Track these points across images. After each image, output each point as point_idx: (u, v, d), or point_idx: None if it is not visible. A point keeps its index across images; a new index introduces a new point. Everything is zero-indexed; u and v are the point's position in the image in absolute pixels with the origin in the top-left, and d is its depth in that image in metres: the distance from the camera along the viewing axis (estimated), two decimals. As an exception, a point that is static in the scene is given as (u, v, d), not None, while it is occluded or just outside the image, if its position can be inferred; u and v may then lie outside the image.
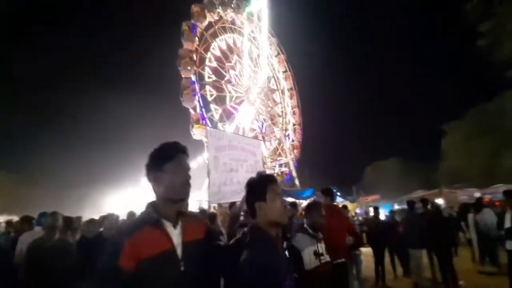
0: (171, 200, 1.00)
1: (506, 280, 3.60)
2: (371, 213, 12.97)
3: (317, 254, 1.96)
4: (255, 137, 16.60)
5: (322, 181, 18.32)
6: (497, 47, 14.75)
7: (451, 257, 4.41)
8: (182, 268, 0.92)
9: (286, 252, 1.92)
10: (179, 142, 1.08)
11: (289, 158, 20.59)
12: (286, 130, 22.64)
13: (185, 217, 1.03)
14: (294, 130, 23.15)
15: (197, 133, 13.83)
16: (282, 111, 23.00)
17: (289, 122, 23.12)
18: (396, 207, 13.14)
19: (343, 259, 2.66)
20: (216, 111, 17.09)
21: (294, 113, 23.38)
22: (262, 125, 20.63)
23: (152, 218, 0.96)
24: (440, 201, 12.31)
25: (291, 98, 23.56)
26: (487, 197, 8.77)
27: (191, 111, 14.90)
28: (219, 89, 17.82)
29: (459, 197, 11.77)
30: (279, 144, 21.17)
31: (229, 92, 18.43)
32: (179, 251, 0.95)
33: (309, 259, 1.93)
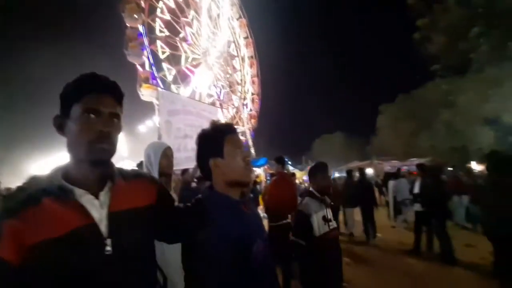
0: (86, 161, 0.69)
1: (412, 234, 4.48)
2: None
3: (326, 220, 1.81)
4: (212, 104, 15.97)
5: (276, 151, 19.45)
6: (428, 42, 16.85)
7: (373, 214, 5.51)
8: (109, 250, 0.66)
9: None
10: (98, 75, 0.73)
11: (246, 127, 20.83)
12: (244, 99, 22.39)
13: (118, 180, 0.74)
14: (253, 99, 23.10)
15: (145, 93, 12.41)
16: (241, 80, 22.38)
17: (248, 91, 22.82)
18: (337, 174, 15.28)
19: (288, 220, 3.06)
20: (169, 71, 15.47)
21: (253, 82, 23.06)
22: (220, 92, 19.83)
23: (53, 187, 0.66)
24: (370, 170, 14.88)
25: (251, 66, 22.93)
26: (404, 168, 10.85)
27: (139, 68, 13.11)
28: (172, 46, 15.90)
29: (385, 167, 14.28)
30: (236, 112, 21.00)
31: (185, 51, 16.69)
32: (103, 227, 0.67)
33: (317, 225, 1.77)
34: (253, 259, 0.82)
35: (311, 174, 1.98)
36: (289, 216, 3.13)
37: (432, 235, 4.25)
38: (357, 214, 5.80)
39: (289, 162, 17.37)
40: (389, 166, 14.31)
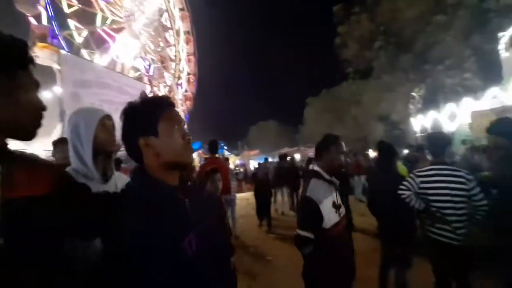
0: None
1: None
2: (251, 165, 15.36)
3: (335, 207, 1.50)
4: (139, 79, 13.95)
5: (211, 135, 19.10)
6: (344, 47, 19.82)
7: (297, 193, 6.39)
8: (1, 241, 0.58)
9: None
10: None
11: (181, 109, 19.38)
12: (179, 78, 20.58)
13: (11, 165, 0.65)
14: (188, 80, 21.52)
15: (41, 55, 9.53)
16: (175, 56, 20.34)
17: (183, 69, 21.03)
18: (270, 159, 16.55)
19: None
20: (78, 31, 12.39)
21: (189, 60, 21.38)
22: (150, 66, 17.52)
23: None
24: (298, 156, 16.81)
25: (187, 43, 21.08)
26: None
27: (32, 20, 9.91)
28: (84, 0, 12.70)
29: (309, 153, 16.32)
30: (169, 92, 19.15)
31: (101, 10, 13.66)
32: None
33: (328, 214, 1.44)
34: (182, 257, 0.70)
35: (320, 148, 1.61)
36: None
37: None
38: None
39: (225, 147, 17.48)
40: (311, 152, 16.45)
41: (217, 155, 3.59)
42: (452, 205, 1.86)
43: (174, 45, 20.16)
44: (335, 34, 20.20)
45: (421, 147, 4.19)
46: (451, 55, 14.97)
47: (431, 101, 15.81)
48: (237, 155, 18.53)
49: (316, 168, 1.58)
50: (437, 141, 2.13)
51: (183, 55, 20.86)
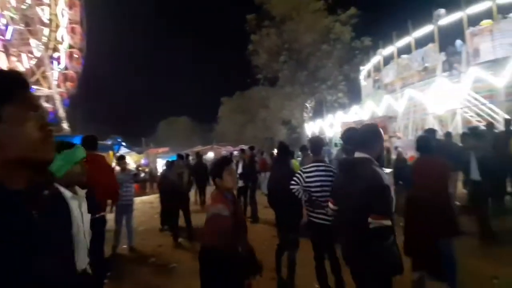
0: None
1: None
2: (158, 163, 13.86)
3: None
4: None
5: (103, 129, 15.66)
6: (256, 55, 21.58)
7: (205, 191, 6.57)
8: None
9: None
10: None
11: (56, 90, 14.78)
12: (55, 50, 15.61)
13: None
14: (71, 55, 16.70)
15: None
16: (50, 20, 15.32)
17: (62, 40, 16.10)
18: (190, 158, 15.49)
19: (102, 213, 2.51)
20: None
21: (73, 31, 16.63)
22: (6, 28, 12.44)
23: None
24: (211, 154, 16.55)
25: (70, 7, 16.36)
26: (236, 152, 13.37)
27: None
28: None
29: (222, 151, 16.45)
30: (38, 67, 14.20)
31: None
32: None
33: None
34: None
35: (367, 140, 1.62)
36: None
37: (247, 202, 5.59)
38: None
39: (123, 144, 14.73)
40: (225, 150, 16.72)
41: (97, 152, 2.92)
42: (326, 193, 2.26)
43: (49, 5, 15.16)
44: (249, 40, 21.50)
45: (305, 148, 4.97)
46: (330, 77, 19.41)
47: (318, 112, 19.98)
48: (139, 152, 16.03)
49: (368, 156, 1.57)
50: (316, 144, 2.61)
51: (64, 22, 15.98)
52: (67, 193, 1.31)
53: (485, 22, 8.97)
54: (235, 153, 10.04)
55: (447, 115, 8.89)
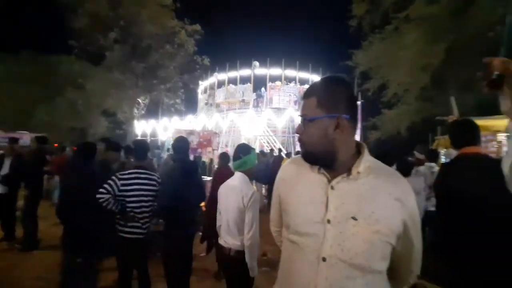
0: None
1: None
2: None
3: None
4: None
5: None
6: (74, 13, 15.91)
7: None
8: None
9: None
10: None
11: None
12: None
13: None
14: None
15: None
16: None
17: None
18: None
19: None
20: None
21: None
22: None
23: None
24: None
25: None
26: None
27: None
28: None
29: None
30: None
31: None
32: None
33: None
34: None
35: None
36: None
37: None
38: None
39: None
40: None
41: None
42: (143, 204, 2.16)
43: None
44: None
45: (130, 148, 4.09)
46: (171, 80, 19.01)
47: (153, 112, 18.61)
48: None
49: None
50: (140, 147, 2.38)
51: None
52: None
53: (278, 83, 14.02)
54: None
55: (253, 139, 12.49)
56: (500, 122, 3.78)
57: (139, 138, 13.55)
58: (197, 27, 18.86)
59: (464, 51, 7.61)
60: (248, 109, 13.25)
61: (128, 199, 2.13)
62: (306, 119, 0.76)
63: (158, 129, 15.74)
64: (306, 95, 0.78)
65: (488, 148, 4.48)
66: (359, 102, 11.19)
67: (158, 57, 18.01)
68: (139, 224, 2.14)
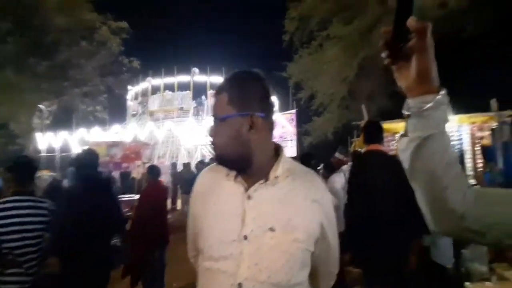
0: None
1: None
2: None
3: None
4: None
5: None
6: None
7: None
8: None
9: None
10: None
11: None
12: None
13: None
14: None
15: None
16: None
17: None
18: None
19: None
20: None
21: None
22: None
23: None
24: None
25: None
26: None
27: None
28: None
29: None
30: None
31: None
32: None
33: None
34: None
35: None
36: None
37: None
38: None
39: None
40: None
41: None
42: (27, 242, 1.63)
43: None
44: None
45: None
46: (88, 83, 16.04)
47: (64, 121, 15.11)
48: None
49: None
50: (22, 166, 1.77)
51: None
52: None
53: (219, 90, 13.92)
54: None
55: (193, 148, 11.84)
56: (398, 125, 4.68)
57: (25, 154, 10.70)
58: (124, 24, 16.75)
59: (370, 66, 9.34)
60: (188, 118, 12.58)
61: (4, 237, 1.60)
62: (217, 119, 0.70)
63: (72, 142, 13.01)
64: (217, 92, 0.72)
65: (389, 146, 5.58)
66: (293, 111, 12.17)
67: (70, 55, 15.00)
68: (21, 270, 1.65)
